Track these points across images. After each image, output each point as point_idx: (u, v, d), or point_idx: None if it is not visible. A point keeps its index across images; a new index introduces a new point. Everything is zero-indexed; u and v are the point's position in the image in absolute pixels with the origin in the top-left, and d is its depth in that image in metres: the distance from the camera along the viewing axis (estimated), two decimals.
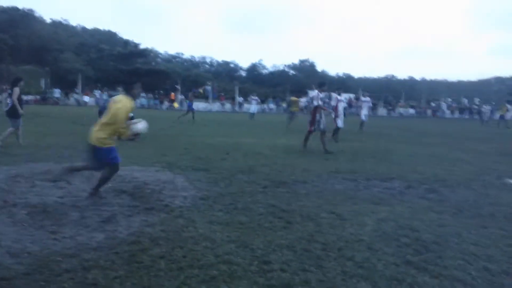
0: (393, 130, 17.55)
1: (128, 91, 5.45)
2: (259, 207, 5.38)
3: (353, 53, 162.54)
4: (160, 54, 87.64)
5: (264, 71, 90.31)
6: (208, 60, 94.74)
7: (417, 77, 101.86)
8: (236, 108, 45.88)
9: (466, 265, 3.67)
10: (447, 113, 51.50)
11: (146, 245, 3.90)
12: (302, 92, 36.56)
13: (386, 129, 16.55)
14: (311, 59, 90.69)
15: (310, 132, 11.48)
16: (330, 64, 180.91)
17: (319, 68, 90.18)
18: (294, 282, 3.24)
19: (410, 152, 12.13)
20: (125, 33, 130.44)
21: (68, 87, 47.41)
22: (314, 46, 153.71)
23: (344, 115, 15.28)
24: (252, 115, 28.72)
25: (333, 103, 14.71)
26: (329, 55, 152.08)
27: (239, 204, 5.49)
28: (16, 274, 3.23)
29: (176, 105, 42.99)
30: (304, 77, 78.37)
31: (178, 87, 46.41)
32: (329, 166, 8.78)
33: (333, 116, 14.12)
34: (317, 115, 11.29)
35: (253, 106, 30.59)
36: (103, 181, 5.54)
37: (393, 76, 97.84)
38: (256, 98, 33.42)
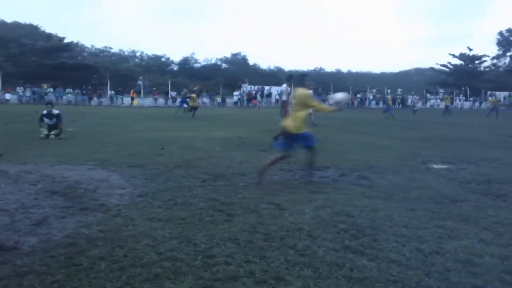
0: (322, 120, 18.10)
1: (301, 84, 6.58)
2: (199, 201, 5.34)
3: (283, 46, 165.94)
4: (87, 48, 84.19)
5: (196, 65, 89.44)
6: (138, 54, 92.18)
7: (344, 69, 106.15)
8: (169, 102, 45.06)
9: (399, 247, 3.88)
10: (373, 103, 53.98)
11: (84, 247, 3.74)
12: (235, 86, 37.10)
13: (316, 120, 17.05)
14: (243, 53, 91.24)
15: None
16: (262, 58, 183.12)
17: (251, 61, 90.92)
18: (239, 274, 3.26)
19: (341, 140, 12.61)
20: (49, 26, 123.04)
21: None
22: (245, 39, 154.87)
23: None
24: (185, 109, 28.47)
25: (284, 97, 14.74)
26: (261, 48, 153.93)
27: (179, 199, 5.42)
28: None
29: (135, 102, 41.72)
30: (236, 70, 78.61)
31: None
32: (265, 157, 8.88)
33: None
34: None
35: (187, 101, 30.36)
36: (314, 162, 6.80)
37: (321, 68, 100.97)
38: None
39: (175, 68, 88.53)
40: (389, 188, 6.28)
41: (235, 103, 46.05)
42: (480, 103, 57.64)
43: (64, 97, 42.11)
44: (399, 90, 61.12)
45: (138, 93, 47.25)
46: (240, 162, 8.29)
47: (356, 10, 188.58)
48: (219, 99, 48.30)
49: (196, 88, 32.98)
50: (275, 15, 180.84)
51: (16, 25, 74.46)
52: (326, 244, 3.91)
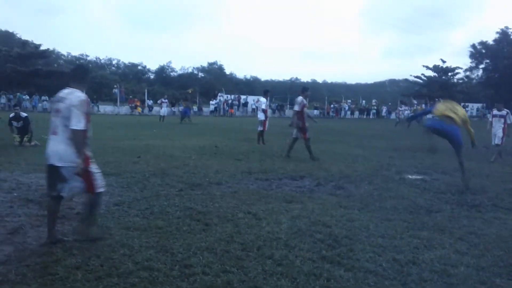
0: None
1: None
2: (176, 210, 5.33)
3: (260, 56, 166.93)
4: (63, 55, 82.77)
5: (173, 73, 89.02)
6: (114, 62, 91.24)
7: (319, 79, 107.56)
8: (146, 111, 44.65)
9: (376, 257, 3.95)
10: (348, 113, 54.65)
11: (60, 256, 3.68)
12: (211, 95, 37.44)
13: (291, 129, 17.13)
14: (220, 62, 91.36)
15: (306, 139, 10.89)
16: (238, 67, 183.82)
17: (227, 70, 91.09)
18: (217, 284, 3.27)
19: (316, 150, 12.68)
20: (24, 33, 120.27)
21: None
22: (222, 49, 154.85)
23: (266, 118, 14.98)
24: (162, 117, 28.38)
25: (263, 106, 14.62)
26: (237, 58, 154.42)
27: (155, 208, 5.39)
28: None
29: (139, 109, 41.49)
30: (213, 79, 78.54)
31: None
32: (241, 166, 8.93)
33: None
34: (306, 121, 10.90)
35: (163, 109, 30.57)
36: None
37: (297, 78, 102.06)
38: (166, 101, 34.73)
39: (152, 76, 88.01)
40: (364, 198, 6.38)
41: (212, 112, 45.93)
42: None
43: (40, 104, 41.33)
44: (373, 100, 62.10)
45: (115, 100, 46.71)
46: (216, 171, 8.28)
47: (331, 22, 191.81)
48: (195, 108, 48.10)
49: (191, 90, 32.92)
50: (251, 25, 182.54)
51: None
52: (303, 254, 3.95)
